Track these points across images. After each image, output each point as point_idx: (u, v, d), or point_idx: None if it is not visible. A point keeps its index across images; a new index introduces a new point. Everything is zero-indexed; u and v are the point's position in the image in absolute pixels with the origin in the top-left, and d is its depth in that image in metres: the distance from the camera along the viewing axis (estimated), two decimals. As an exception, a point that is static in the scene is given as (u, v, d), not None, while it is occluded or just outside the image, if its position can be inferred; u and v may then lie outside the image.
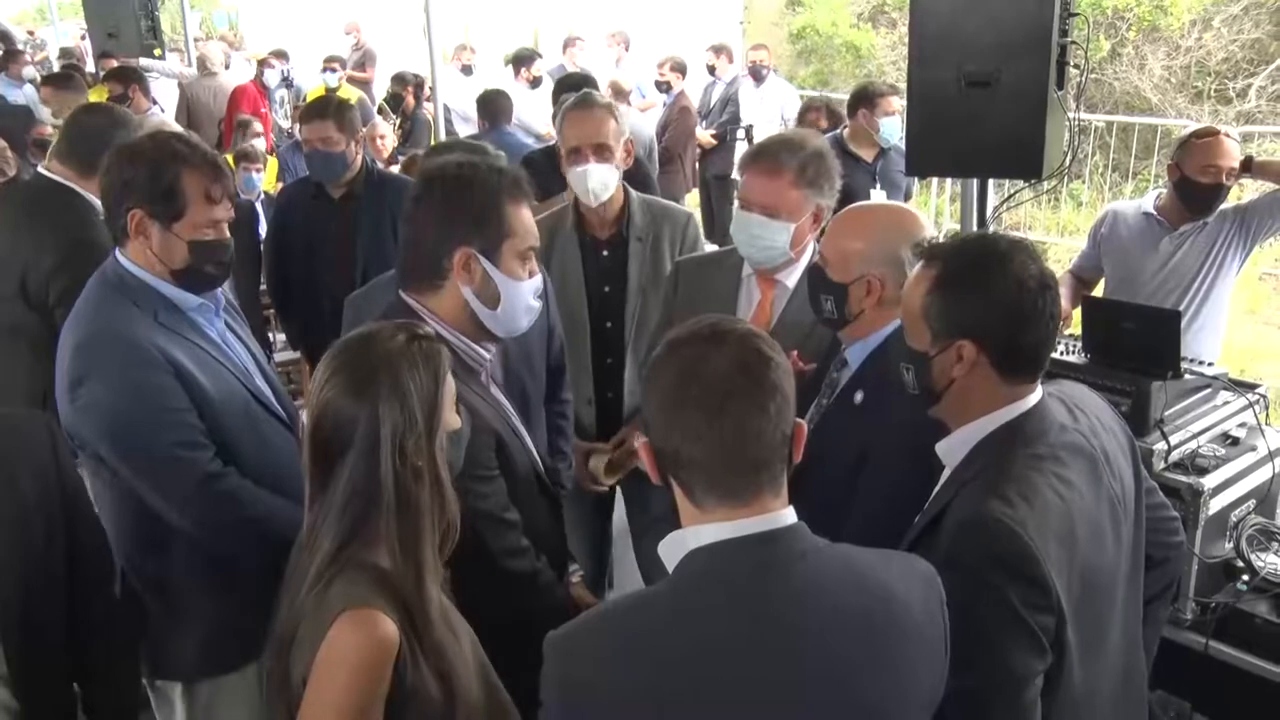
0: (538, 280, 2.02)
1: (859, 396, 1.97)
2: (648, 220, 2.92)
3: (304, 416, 1.60)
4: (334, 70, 8.39)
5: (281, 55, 9.31)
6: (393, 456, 1.49)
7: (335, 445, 1.51)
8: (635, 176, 4.08)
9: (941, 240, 1.69)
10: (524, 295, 1.98)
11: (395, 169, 5.18)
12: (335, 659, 1.43)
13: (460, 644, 1.59)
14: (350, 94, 7.03)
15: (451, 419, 1.62)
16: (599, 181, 2.79)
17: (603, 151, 2.79)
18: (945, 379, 1.61)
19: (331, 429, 1.51)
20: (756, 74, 7.75)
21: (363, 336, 1.59)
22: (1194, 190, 3.30)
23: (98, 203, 3.08)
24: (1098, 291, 3.65)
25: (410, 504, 1.51)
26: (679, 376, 1.30)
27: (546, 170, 3.60)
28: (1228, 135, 3.30)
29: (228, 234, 2.12)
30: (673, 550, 1.32)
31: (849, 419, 1.96)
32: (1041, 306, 1.58)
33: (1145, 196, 3.64)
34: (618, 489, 3.11)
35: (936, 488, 1.67)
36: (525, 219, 1.97)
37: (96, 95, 6.60)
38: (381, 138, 5.99)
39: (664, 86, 7.53)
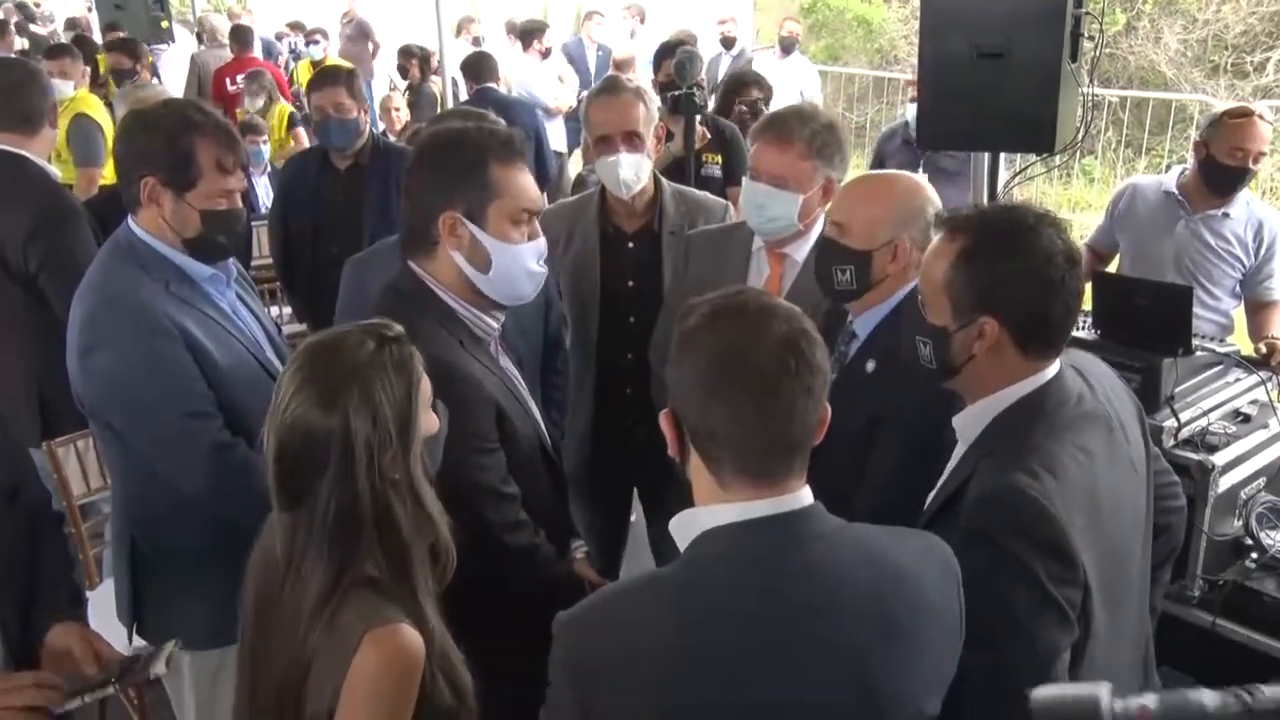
0: (539, 244, 1.97)
1: (871, 365, 1.96)
2: (681, 212, 2.77)
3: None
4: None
5: (297, 27, 9.26)
6: (369, 473, 1.42)
7: (307, 464, 1.42)
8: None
9: (964, 211, 1.64)
10: (520, 259, 1.93)
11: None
12: (369, 681, 1.37)
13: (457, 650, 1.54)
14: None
15: (429, 422, 1.55)
16: (630, 172, 2.64)
17: (633, 139, 2.63)
18: (965, 354, 1.57)
19: (302, 446, 1.42)
20: (787, 47, 7.71)
21: (329, 346, 1.49)
22: (1219, 171, 3.22)
23: (50, 167, 3.10)
24: (1112, 267, 3.62)
25: (393, 521, 1.45)
26: (725, 352, 1.23)
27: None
28: (1261, 118, 3.21)
29: (240, 204, 2.12)
30: (685, 529, 1.29)
31: (861, 388, 1.95)
32: (1068, 282, 1.54)
33: (1169, 173, 3.54)
34: (634, 490, 3.06)
35: (952, 463, 1.64)
36: (517, 180, 1.92)
37: (102, 65, 6.61)
38: (396, 109, 5.96)
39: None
